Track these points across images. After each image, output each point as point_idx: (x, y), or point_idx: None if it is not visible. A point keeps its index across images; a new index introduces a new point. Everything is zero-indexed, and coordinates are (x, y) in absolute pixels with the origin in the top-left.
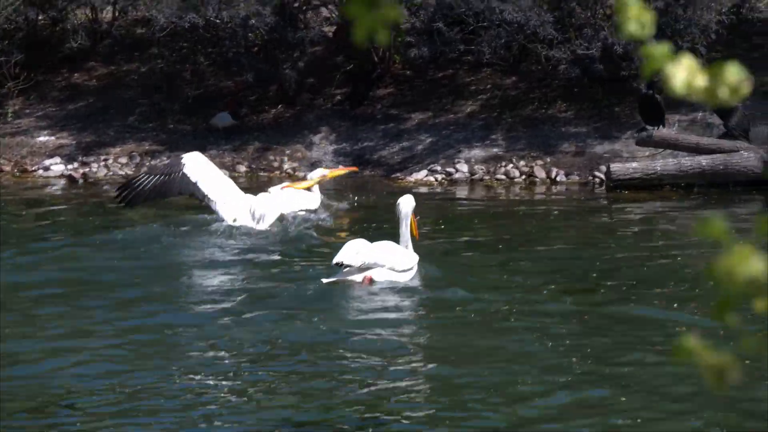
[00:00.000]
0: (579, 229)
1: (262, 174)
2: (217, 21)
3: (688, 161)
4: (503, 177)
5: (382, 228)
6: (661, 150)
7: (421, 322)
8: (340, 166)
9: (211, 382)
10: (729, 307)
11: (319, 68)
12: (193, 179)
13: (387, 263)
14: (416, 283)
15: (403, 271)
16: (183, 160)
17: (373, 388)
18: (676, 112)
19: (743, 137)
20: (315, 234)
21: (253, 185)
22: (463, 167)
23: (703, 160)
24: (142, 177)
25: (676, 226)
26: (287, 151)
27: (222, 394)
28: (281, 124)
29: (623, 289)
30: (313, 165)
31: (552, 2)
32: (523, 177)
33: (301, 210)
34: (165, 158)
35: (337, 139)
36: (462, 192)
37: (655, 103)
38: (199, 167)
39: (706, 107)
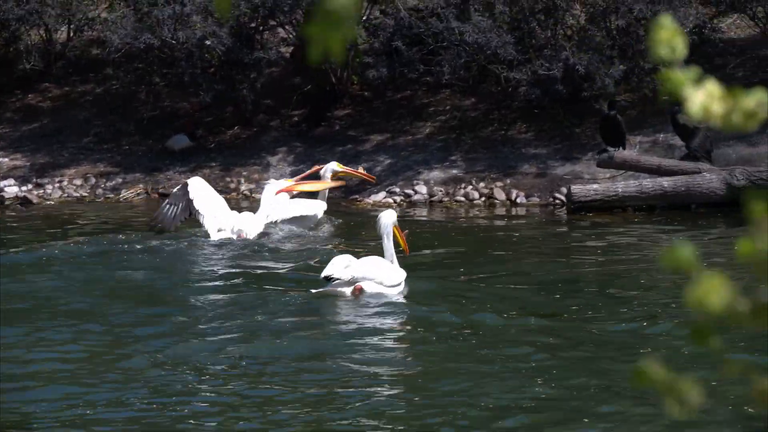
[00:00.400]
0: (540, 252)
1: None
2: (173, 42)
3: (650, 183)
4: (463, 199)
5: (368, 244)
6: (622, 172)
7: (396, 339)
8: (360, 168)
9: (190, 398)
10: (708, 334)
11: (277, 89)
12: (191, 197)
13: (376, 278)
14: (401, 299)
15: (392, 286)
16: (188, 185)
17: (350, 405)
18: (638, 133)
19: (706, 159)
20: (303, 247)
21: None
22: (422, 189)
23: (665, 182)
24: (166, 206)
25: (637, 247)
26: (244, 173)
27: (193, 409)
28: (238, 146)
29: (587, 311)
30: None
31: (512, 23)
32: (483, 199)
33: (301, 214)
34: (120, 180)
35: (294, 161)
36: (421, 214)
37: (617, 124)
38: (196, 188)
39: (668, 128)
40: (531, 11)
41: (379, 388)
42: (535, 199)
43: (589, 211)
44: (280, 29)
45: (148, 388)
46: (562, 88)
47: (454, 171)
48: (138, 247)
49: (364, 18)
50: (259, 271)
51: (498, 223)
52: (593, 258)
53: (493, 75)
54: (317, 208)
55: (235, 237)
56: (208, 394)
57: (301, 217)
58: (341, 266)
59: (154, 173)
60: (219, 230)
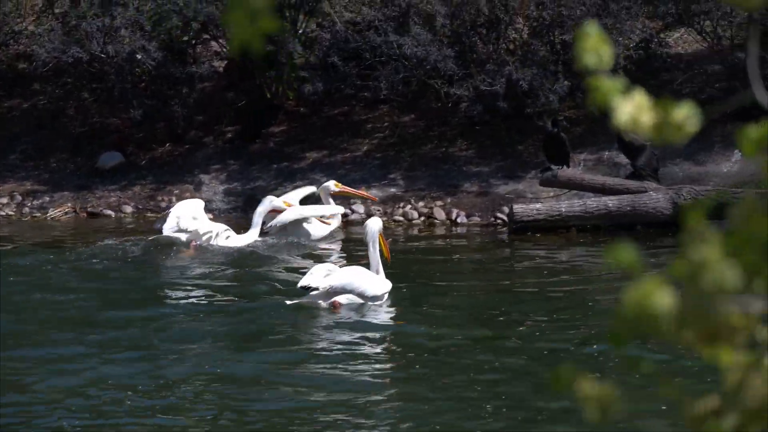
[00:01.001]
0: (480, 273)
1: (150, 215)
2: (102, 56)
3: (594, 202)
4: (401, 218)
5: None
6: (566, 191)
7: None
8: (363, 188)
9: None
10: (626, 337)
11: (210, 105)
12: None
13: (356, 289)
14: (382, 312)
15: (373, 297)
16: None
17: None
18: (582, 150)
19: (652, 177)
20: (289, 258)
21: (141, 227)
22: (359, 208)
23: (610, 201)
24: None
25: (580, 268)
26: (176, 191)
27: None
28: (170, 163)
29: (532, 330)
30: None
31: (453, 36)
32: (422, 218)
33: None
34: (47, 198)
35: (227, 179)
36: (358, 233)
37: (561, 142)
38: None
39: (614, 146)
40: (473, 24)
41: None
42: (476, 219)
43: (532, 230)
44: (213, 43)
45: (128, 401)
46: (504, 105)
47: (393, 189)
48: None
49: (300, 31)
50: (234, 283)
51: (438, 243)
52: (535, 279)
53: (433, 90)
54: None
55: (184, 239)
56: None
57: (297, 223)
58: (320, 276)
59: (83, 191)
60: (174, 228)
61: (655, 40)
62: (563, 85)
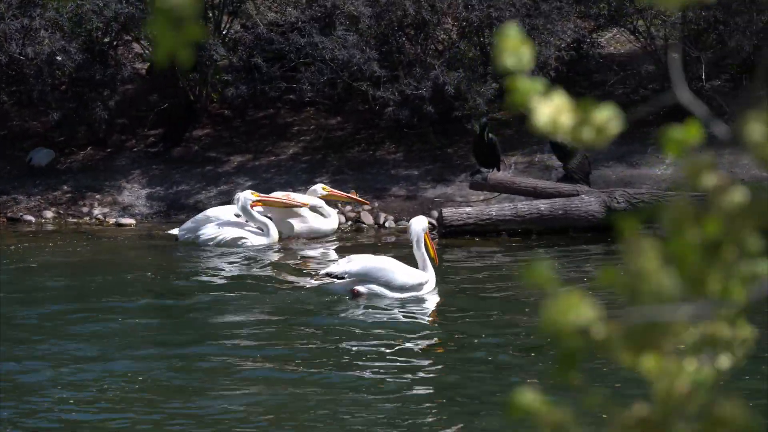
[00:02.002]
0: None
1: (71, 220)
2: (21, 57)
3: (526, 206)
4: None
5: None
6: (497, 194)
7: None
8: (352, 192)
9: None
10: (573, 364)
11: (132, 107)
12: None
13: (381, 278)
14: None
15: (400, 288)
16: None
17: None
18: (513, 153)
19: (584, 180)
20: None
21: (63, 231)
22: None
23: (542, 205)
24: None
25: (508, 274)
26: (97, 196)
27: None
28: (91, 167)
29: (462, 337)
30: (125, 210)
31: (379, 38)
32: (350, 223)
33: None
34: None
35: (150, 183)
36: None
37: (490, 145)
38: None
39: (546, 148)
40: (399, 26)
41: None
42: (405, 223)
43: (462, 234)
44: (134, 44)
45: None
46: (431, 108)
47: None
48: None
49: (223, 32)
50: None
51: (367, 247)
52: (464, 285)
53: (359, 93)
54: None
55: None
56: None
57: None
58: (344, 261)
59: (2, 197)
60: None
61: (588, 40)
62: (491, 87)
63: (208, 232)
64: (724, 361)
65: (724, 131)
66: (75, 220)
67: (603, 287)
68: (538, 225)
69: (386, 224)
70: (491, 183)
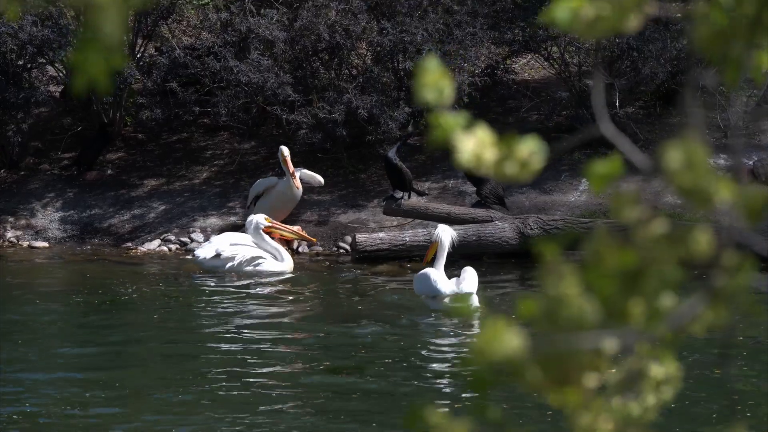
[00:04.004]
0: (322, 305)
1: None
2: None
3: None
4: None
5: None
6: (410, 220)
7: None
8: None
9: None
10: (486, 386)
11: (45, 130)
12: None
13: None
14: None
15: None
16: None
17: None
18: (426, 179)
19: (499, 205)
20: None
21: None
22: (199, 236)
23: (455, 231)
24: None
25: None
26: (10, 219)
27: None
28: (4, 190)
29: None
30: (38, 233)
31: (293, 62)
32: None
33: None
34: None
35: (63, 206)
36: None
37: (399, 170)
38: None
39: (459, 174)
40: (314, 50)
41: None
42: (318, 248)
43: (376, 260)
44: (49, 67)
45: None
46: (343, 132)
47: (233, 218)
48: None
49: (138, 56)
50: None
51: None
52: (378, 312)
53: (273, 117)
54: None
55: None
56: None
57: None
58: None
59: None
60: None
61: (502, 66)
62: (404, 112)
63: (228, 251)
64: (651, 400)
65: (642, 160)
66: None
67: (523, 316)
68: (452, 251)
69: (299, 249)
70: (405, 208)
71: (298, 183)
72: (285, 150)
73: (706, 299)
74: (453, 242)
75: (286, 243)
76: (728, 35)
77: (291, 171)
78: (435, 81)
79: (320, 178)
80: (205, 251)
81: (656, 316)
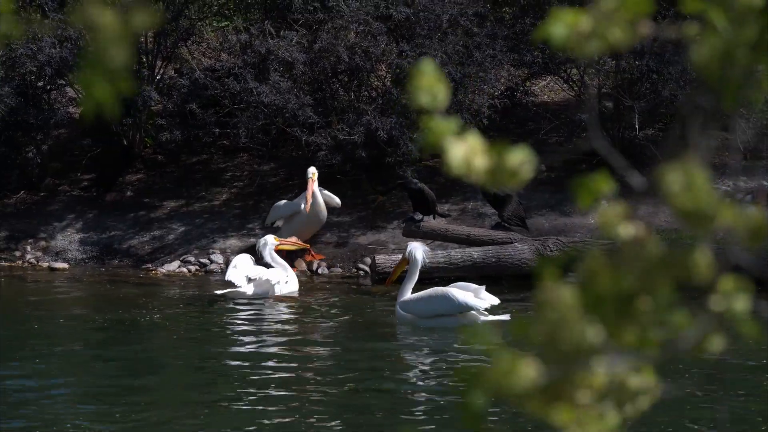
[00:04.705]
0: (343, 324)
1: (2, 264)
2: None
3: (459, 254)
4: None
5: None
6: (430, 241)
7: None
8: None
9: None
10: (479, 416)
11: (65, 152)
12: None
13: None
14: None
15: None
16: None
17: None
18: (446, 201)
19: (521, 226)
20: None
21: None
22: (218, 258)
23: (475, 253)
24: None
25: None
26: (30, 240)
27: None
28: (24, 212)
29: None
30: (58, 255)
31: (313, 83)
32: None
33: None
34: None
35: (83, 227)
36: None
37: (422, 193)
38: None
39: (478, 196)
40: (333, 72)
41: None
42: (338, 270)
43: (396, 282)
44: (68, 88)
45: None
46: (363, 154)
47: (252, 239)
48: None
49: (157, 78)
50: None
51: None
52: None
53: (293, 139)
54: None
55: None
56: None
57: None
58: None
59: None
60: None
61: (521, 88)
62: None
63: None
64: (629, 410)
65: (639, 182)
66: (7, 263)
67: (518, 336)
68: (471, 272)
69: (319, 270)
70: (424, 230)
71: (308, 206)
72: (313, 170)
73: (703, 324)
74: (424, 261)
75: (306, 265)
76: (727, 58)
77: (309, 192)
78: (430, 85)
79: (338, 200)
80: (237, 277)
81: (651, 341)
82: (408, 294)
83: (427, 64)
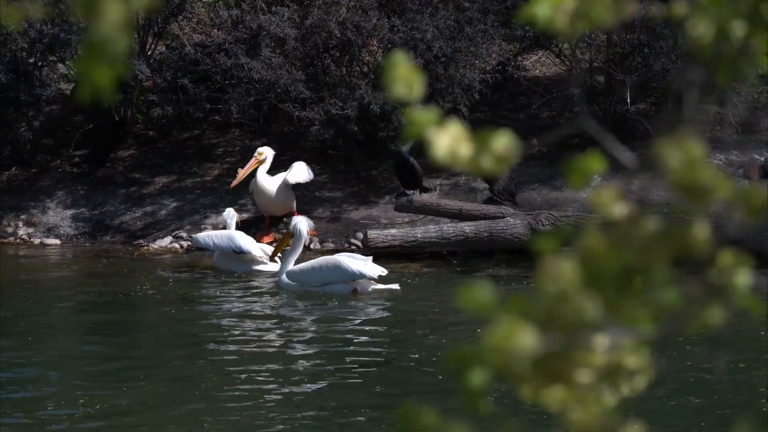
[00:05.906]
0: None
1: None
2: None
3: (451, 228)
4: None
5: None
6: (422, 216)
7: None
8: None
9: None
10: (481, 394)
11: (56, 128)
12: None
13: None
14: None
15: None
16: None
17: None
18: (437, 175)
19: (510, 202)
20: None
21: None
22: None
23: (467, 227)
24: None
25: (432, 294)
26: (22, 216)
27: None
28: (16, 188)
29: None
30: (50, 231)
31: (305, 59)
32: (275, 244)
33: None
34: None
35: (74, 203)
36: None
37: (410, 168)
38: None
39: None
40: (325, 47)
41: None
42: (330, 245)
43: (387, 256)
44: (60, 65)
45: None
46: (355, 128)
47: (245, 215)
48: None
49: (148, 53)
50: None
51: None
52: (385, 305)
53: (285, 114)
54: None
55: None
56: None
57: None
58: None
59: None
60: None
61: (513, 63)
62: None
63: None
64: (625, 390)
65: (630, 159)
66: None
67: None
68: (464, 247)
69: (311, 246)
70: (416, 205)
71: (234, 183)
72: (261, 149)
73: (702, 298)
74: (308, 234)
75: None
76: (721, 33)
77: (244, 171)
78: (405, 76)
79: (306, 175)
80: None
81: (649, 316)
82: (291, 266)
83: (400, 56)
